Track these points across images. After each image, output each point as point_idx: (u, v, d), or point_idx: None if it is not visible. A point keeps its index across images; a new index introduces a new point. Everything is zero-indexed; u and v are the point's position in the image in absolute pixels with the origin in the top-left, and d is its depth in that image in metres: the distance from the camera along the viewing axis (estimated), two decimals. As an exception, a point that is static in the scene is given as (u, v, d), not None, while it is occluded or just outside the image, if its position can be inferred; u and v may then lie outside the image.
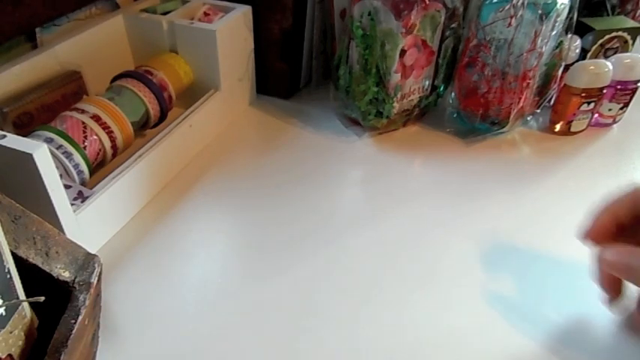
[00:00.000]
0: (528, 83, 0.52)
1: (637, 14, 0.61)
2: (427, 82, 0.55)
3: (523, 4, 0.47)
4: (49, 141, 0.41)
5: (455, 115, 0.57)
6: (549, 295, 0.39)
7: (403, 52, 0.49)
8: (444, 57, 0.54)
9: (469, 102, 0.54)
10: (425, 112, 0.58)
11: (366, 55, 0.51)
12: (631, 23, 0.57)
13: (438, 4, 0.49)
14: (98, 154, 0.44)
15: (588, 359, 0.34)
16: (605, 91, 0.54)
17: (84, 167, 0.42)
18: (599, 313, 0.37)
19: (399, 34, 0.48)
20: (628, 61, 0.54)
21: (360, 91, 0.53)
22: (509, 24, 0.48)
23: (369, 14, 0.49)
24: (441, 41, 0.52)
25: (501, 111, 0.54)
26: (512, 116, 0.54)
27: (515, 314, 0.37)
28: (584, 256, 0.42)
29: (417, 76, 0.52)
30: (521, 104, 0.53)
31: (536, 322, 0.36)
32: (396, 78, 0.51)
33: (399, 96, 0.52)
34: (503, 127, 0.55)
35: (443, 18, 0.50)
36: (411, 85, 0.53)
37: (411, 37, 0.49)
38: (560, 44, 0.52)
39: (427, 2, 0.48)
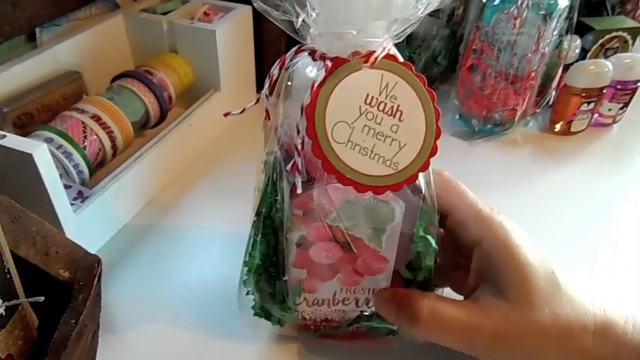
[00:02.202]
0: (532, 84, 0.52)
1: (637, 14, 0.61)
2: (367, 296, 0.31)
3: (527, 5, 0.47)
4: (49, 141, 0.41)
5: (457, 117, 0.57)
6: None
7: (306, 243, 0.29)
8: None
9: (472, 104, 0.54)
10: (390, 332, 0.33)
11: (257, 223, 0.30)
12: (631, 23, 0.57)
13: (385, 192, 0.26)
14: (98, 154, 0.44)
15: None
16: (605, 91, 0.54)
17: (84, 167, 0.42)
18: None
19: (291, 216, 0.28)
20: (628, 61, 0.54)
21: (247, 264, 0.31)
22: (514, 25, 0.48)
23: (274, 160, 0.29)
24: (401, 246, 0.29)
25: (505, 112, 0.54)
26: (516, 118, 0.54)
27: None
28: (584, 254, 0.42)
29: (349, 283, 0.30)
30: (524, 106, 0.53)
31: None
32: (296, 273, 0.30)
33: (302, 298, 0.31)
34: (508, 128, 0.55)
35: (399, 217, 0.27)
36: (335, 291, 0.31)
37: (319, 227, 0.28)
38: (560, 44, 0.52)
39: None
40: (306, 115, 0.24)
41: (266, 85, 0.28)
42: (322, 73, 0.24)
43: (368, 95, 0.24)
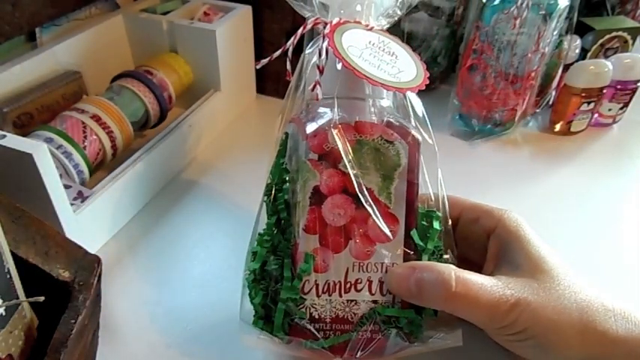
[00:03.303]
0: (532, 84, 0.52)
1: (637, 14, 0.61)
2: (380, 276, 0.30)
3: (527, 5, 0.47)
4: (48, 141, 0.41)
5: (457, 117, 0.57)
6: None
7: (319, 196, 0.29)
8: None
9: (472, 104, 0.54)
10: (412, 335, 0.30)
11: (267, 195, 0.32)
12: (631, 23, 0.57)
13: (386, 129, 0.29)
14: (98, 154, 0.44)
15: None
16: (605, 91, 0.54)
17: (84, 167, 0.42)
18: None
19: (306, 161, 0.29)
20: (628, 61, 0.54)
21: (250, 253, 0.32)
22: (514, 25, 0.48)
23: (285, 137, 0.32)
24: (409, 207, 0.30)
25: (505, 112, 0.54)
26: (517, 118, 0.54)
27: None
28: (584, 254, 0.42)
29: (362, 255, 0.29)
30: (524, 106, 0.53)
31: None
32: (306, 242, 0.29)
33: (312, 281, 0.29)
34: (508, 128, 0.55)
35: (404, 161, 0.29)
36: (347, 268, 0.29)
37: (332, 173, 0.29)
38: (560, 44, 0.52)
39: (363, 122, 0.29)
40: (328, 36, 0.29)
41: (290, 48, 0.32)
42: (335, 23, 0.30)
43: (370, 41, 0.30)
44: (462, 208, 0.33)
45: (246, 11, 0.55)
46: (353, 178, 0.28)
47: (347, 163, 0.28)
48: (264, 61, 0.33)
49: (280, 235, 0.30)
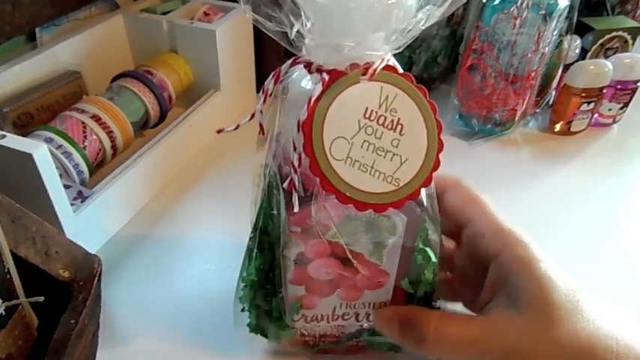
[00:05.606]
0: (532, 84, 0.52)
1: (637, 14, 0.61)
2: (367, 310, 0.30)
3: (527, 5, 0.47)
4: (48, 141, 0.41)
5: (457, 117, 0.57)
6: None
7: (304, 259, 0.27)
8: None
9: (472, 104, 0.54)
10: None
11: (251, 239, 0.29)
12: (631, 23, 0.57)
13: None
14: (98, 154, 0.44)
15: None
16: (605, 91, 0.54)
17: (84, 167, 0.42)
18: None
19: (288, 233, 0.26)
20: (628, 60, 0.54)
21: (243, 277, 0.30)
22: (514, 25, 0.48)
23: (269, 172, 0.28)
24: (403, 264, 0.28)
25: (505, 112, 0.54)
26: (517, 118, 0.54)
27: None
28: (584, 254, 0.42)
29: (350, 298, 0.29)
30: (524, 106, 0.53)
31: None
32: (294, 290, 0.29)
33: (299, 314, 0.30)
34: (508, 128, 0.55)
35: (401, 231, 0.26)
36: (335, 306, 0.30)
37: (318, 244, 0.26)
38: (560, 44, 0.52)
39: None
40: (303, 132, 0.23)
41: (260, 100, 0.26)
42: (319, 87, 0.23)
43: (367, 109, 0.23)
44: (469, 217, 0.30)
45: (246, 11, 0.55)
46: (342, 246, 0.26)
47: (333, 236, 0.26)
48: (229, 129, 0.28)
49: (268, 274, 0.29)
